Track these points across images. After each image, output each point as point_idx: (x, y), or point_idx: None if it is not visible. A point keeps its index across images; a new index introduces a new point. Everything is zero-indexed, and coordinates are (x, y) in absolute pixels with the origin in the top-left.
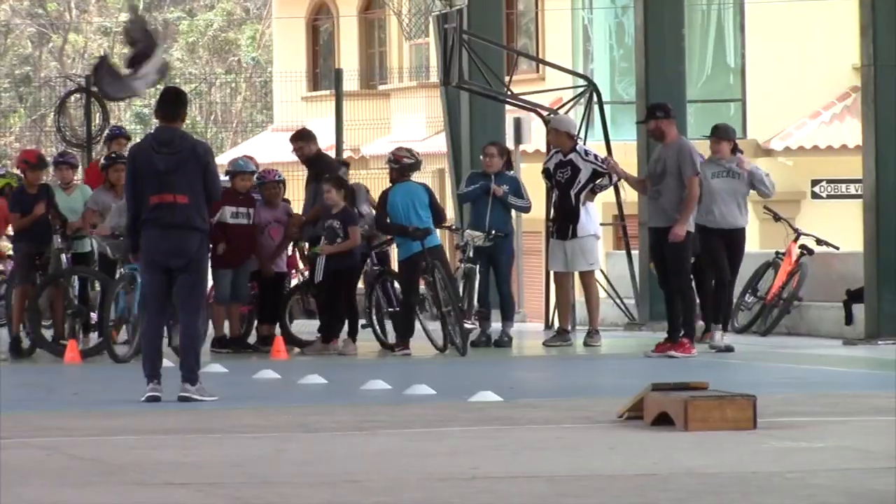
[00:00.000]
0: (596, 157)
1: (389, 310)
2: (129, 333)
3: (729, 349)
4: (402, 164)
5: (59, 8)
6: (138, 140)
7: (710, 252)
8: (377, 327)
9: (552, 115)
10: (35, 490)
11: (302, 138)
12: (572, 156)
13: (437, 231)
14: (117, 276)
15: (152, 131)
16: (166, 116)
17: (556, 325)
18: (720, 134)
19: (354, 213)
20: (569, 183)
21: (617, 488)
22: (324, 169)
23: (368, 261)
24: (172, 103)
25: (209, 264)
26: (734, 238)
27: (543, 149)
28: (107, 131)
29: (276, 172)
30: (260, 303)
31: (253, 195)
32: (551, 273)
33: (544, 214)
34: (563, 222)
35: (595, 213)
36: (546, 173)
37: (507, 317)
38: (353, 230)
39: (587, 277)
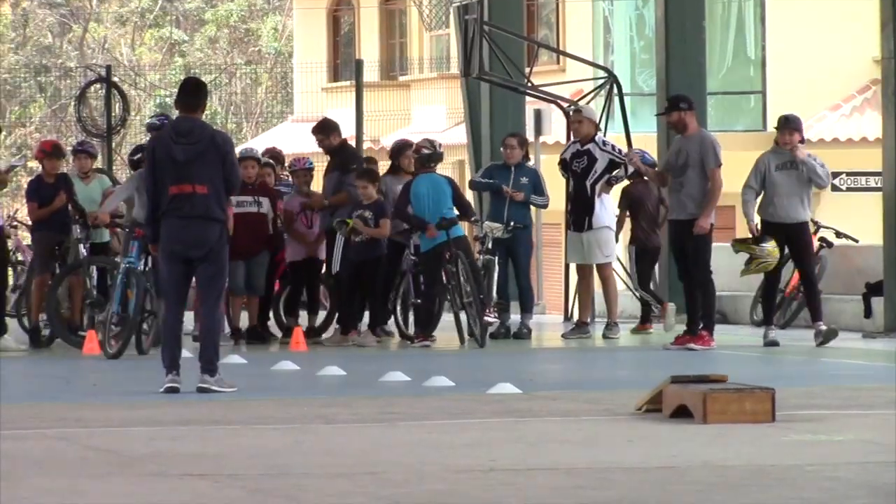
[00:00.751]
0: (613, 147)
1: (415, 301)
2: (102, 335)
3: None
4: (420, 155)
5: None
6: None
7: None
8: (399, 318)
9: (573, 106)
10: (53, 481)
11: (322, 131)
12: (590, 146)
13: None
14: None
15: (172, 121)
16: (186, 106)
17: (576, 317)
18: (792, 125)
19: (387, 205)
20: (584, 173)
21: (636, 481)
22: (347, 160)
23: (406, 251)
24: (193, 93)
25: (226, 253)
26: (795, 232)
27: (564, 140)
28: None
29: (307, 160)
30: (299, 293)
31: (267, 183)
32: (571, 265)
33: (564, 206)
34: (579, 214)
35: (610, 205)
36: (563, 164)
37: (526, 309)
38: (384, 222)
39: (604, 270)
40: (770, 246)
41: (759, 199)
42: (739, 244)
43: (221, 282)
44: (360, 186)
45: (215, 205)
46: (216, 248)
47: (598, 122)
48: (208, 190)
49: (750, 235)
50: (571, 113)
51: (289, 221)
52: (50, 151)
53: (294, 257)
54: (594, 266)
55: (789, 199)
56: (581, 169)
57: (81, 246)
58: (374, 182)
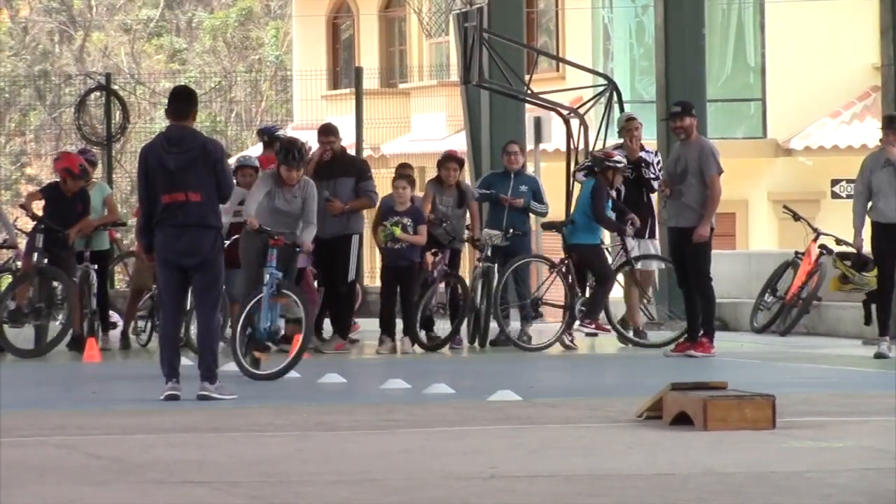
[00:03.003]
0: (657, 152)
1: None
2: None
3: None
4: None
5: (82, 6)
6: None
7: (873, 249)
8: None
9: (627, 113)
10: (53, 488)
11: (333, 133)
12: (642, 153)
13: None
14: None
15: (163, 130)
16: (177, 115)
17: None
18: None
19: (423, 212)
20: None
21: (636, 488)
22: (361, 166)
23: (440, 259)
24: (184, 102)
25: (222, 260)
26: (894, 232)
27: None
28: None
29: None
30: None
31: None
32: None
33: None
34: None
35: None
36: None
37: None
38: (422, 229)
39: (652, 276)
40: (871, 275)
41: (869, 203)
42: (841, 263)
43: (217, 290)
44: (399, 188)
45: (210, 212)
46: (210, 256)
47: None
48: (202, 198)
49: (854, 250)
50: (625, 121)
51: None
52: (78, 175)
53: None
54: (638, 272)
55: (886, 198)
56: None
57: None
58: (412, 185)
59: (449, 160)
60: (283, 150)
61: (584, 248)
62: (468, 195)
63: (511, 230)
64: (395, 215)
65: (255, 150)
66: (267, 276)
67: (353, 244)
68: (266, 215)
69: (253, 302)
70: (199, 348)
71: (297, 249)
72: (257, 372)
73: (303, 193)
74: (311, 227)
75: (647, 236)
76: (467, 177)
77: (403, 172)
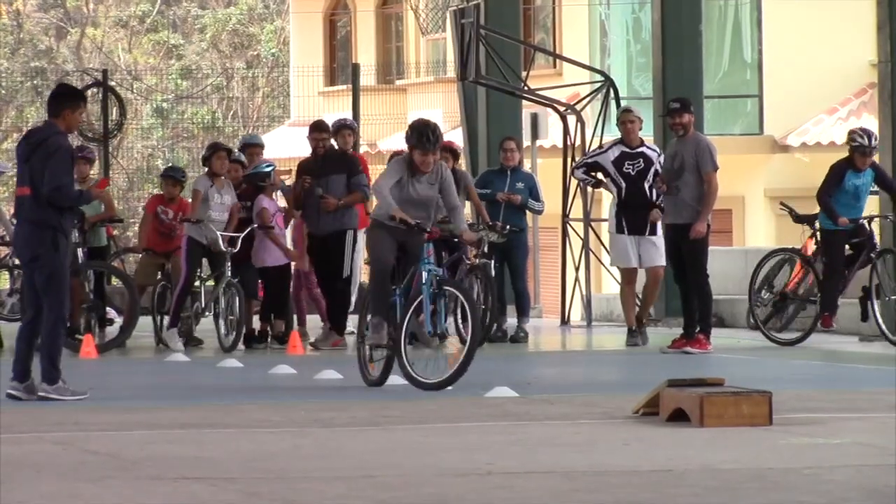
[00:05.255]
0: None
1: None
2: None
3: None
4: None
5: (78, 2)
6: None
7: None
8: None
9: (624, 106)
10: (50, 485)
11: (326, 130)
12: (643, 147)
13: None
14: None
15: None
16: (47, 112)
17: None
18: None
19: None
20: (641, 175)
21: (632, 484)
22: (352, 162)
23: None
24: (52, 98)
25: (56, 258)
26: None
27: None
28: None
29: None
30: (268, 298)
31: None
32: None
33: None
34: (640, 217)
35: None
36: (591, 167)
37: (523, 312)
38: None
39: (661, 271)
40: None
41: None
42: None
43: (54, 288)
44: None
45: (37, 207)
46: (41, 251)
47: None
48: (31, 192)
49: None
50: (620, 113)
51: (267, 222)
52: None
53: (275, 262)
54: (640, 268)
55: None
56: (637, 171)
57: (79, 250)
58: None
59: (443, 150)
60: (415, 132)
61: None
62: (462, 182)
63: (508, 227)
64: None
65: None
66: (425, 274)
67: (348, 240)
68: (399, 205)
69: (416, 304)
70: (40, 348)
71: (456, 241)
72: (426, 381)
73: (439, 179)
74: (460, 212)
75: (647, 233)
76: None
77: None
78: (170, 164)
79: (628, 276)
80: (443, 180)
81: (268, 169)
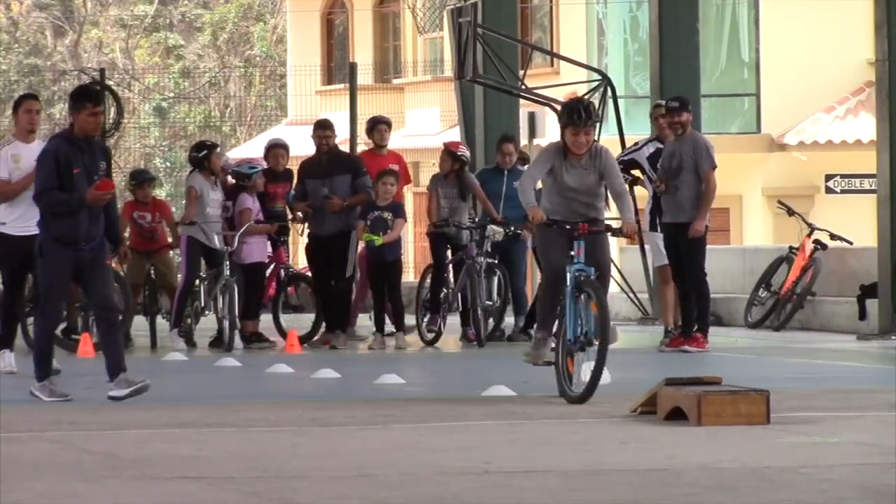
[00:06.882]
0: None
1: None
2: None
3: None
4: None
5: (77, 1)
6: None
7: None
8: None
9: (661, 101)
10: (47, 484)
11: (329, 128)
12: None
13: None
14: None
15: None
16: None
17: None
18: None
19: (403, 206)
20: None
21: (630, 483)
22: (356, 162)
23: (475, 250)
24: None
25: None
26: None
27: None
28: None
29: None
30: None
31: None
32: (654, 268)
33: None
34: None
35: None
36: (629, 164)
37: (521, 312)
38: (399, 223)
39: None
40: None
41: None
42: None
43: (42, 291)
44: (387, 184)
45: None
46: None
47: None
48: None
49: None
50: (653, 108)
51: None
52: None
53: (254, 259)
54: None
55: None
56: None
57: None
58: (397, 182)
59: (443, 151)
60: (565, 108)
61: None
62: (467, 182)
63: (511, 227)
64: (375, 209)
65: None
66: (569, 275)
67: (352, 240)
68: (554, 197)
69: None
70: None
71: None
72: (573, 394)
73: (598, 163)
74: (626, 200)
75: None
76: None
77: (391, 170)
78: (136, 169)
79: (665, 275)
80: (603, 165)
81: (251, 171)
